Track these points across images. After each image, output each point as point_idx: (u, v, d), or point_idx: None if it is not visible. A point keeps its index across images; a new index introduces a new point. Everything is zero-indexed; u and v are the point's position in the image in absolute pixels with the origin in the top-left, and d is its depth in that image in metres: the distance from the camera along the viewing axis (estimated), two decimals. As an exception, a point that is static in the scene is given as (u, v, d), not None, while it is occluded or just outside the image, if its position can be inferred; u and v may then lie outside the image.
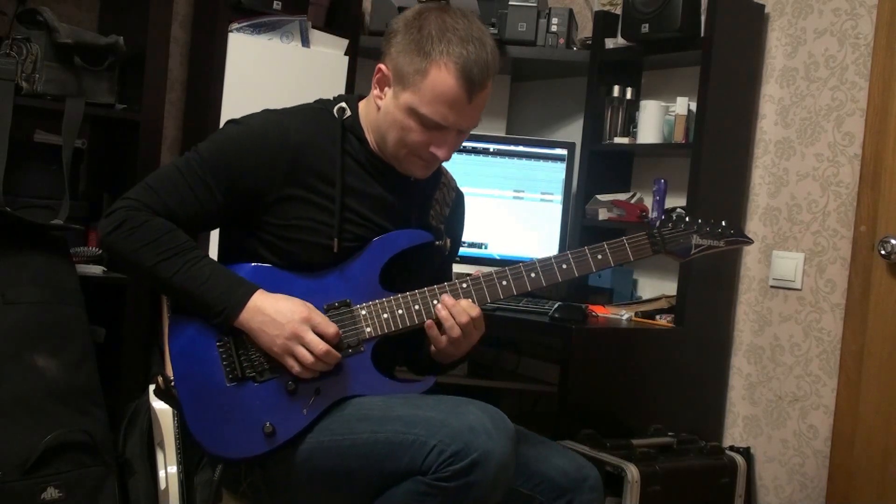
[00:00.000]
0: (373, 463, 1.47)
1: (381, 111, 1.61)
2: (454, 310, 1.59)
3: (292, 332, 1.51)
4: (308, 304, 1.56)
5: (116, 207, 1.57)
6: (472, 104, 1.56)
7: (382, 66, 1.60)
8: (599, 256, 1.64)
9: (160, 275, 1.54)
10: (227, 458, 1.55)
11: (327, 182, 1.61)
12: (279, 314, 1.52)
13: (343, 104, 1.67)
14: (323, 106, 1.68)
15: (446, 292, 1.61)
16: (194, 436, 1.55)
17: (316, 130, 1.63)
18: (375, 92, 1.62)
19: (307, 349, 1.52)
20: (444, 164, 1.73)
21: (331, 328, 1.54)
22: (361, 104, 1.69)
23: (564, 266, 1.64)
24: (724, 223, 1.70)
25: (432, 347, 1.65)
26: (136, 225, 1.54)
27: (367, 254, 1.63)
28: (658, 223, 1.68)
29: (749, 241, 1.74)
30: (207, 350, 1.56)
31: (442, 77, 1.53)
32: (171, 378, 1.58)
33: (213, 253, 1.71)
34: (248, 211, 1.60)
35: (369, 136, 1.66)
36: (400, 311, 1.60)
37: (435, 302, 1.60)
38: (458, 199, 1.84)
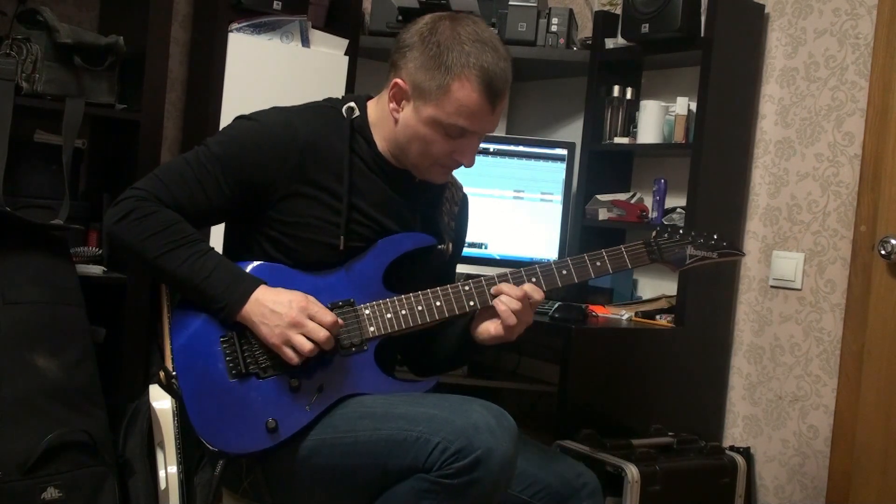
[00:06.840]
0: (375, 460, 1.47)
1: (399, 124, 1.62)
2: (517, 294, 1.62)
3: (290, 321, 1.51)
4: (308, 295, 1.56)
5: (125, 197, 1.57)
6: (494, 112, 1.61)
7: (399, 81, 1.61)
8: (598, 263, 1.69)
9: (164, 266, 1.54)
10: (229, 453, 1.54)
11: (335, 181, 1.61)
12: (278, 305, 1.52)
13: (352, 104, 1.67)
14: (332, 105, 1.69)
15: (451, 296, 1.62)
16: (196, 430, 1.54)
17: (325, 129, 1.63)
18: (392, 105, 1.63)
19: (307, 337, 1.52)
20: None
21: (328, 316, 1.54)
22: (370, 105, 1.69)
23: (564, 272, 1.67)
24: (716, 236, 1.75)
25: (481, 331, 1.66)
26: (143, 215, 1.54)
27: (371, 254, 1.64)
28: (655, 233, 1.73)
29: (741, 255, 1.80)
30: (210, 345, 1.56)
31: (466, 91, 1.56)
32: (173, 372, 1.58)
33: (217, 249, 1.70)
34: (254, 207, 1.60)
35: (377, 139, 1.67)
36: (403, 312, 1.61)
37: (438, 304, 1.62)
38: (464, 200, 1.86)
